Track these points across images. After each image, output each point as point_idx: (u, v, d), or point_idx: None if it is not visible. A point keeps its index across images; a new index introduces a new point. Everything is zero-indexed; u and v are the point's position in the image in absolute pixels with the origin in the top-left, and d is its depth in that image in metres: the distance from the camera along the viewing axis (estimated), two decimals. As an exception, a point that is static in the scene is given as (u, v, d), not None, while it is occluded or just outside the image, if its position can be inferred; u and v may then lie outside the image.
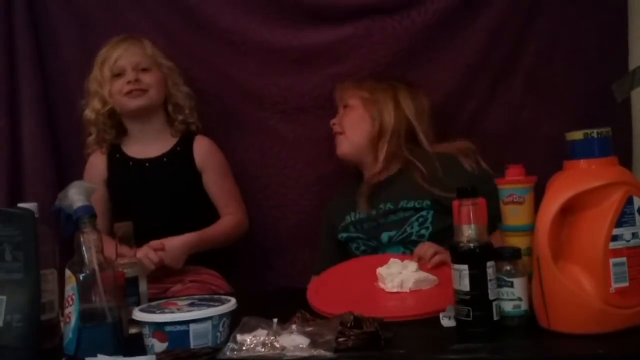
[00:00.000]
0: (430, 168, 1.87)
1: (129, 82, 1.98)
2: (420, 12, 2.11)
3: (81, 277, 1.26)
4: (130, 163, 2.06)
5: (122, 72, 2.00)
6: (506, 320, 1.25)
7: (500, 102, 2.15)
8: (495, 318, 1.23)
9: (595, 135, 1.25)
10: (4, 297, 1.28)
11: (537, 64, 2.13)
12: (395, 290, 1.50)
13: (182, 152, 2.06)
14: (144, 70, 2.01)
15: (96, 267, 1.27)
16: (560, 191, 1.23)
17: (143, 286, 1.50)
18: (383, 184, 1.93)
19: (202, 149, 2.06)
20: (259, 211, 2.18)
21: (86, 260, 1.27)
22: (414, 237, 1.83)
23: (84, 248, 1.28)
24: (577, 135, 1.27)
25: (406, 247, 1.84)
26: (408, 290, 1.49)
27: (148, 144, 2.06)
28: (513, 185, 1.41)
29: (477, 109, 2.14)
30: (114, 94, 2.00)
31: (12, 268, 1.28)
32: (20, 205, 1.40)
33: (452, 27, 2.12)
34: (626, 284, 1.19)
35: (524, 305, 1.26)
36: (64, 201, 1.33)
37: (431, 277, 1.52)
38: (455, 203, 1.29)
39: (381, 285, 1.54)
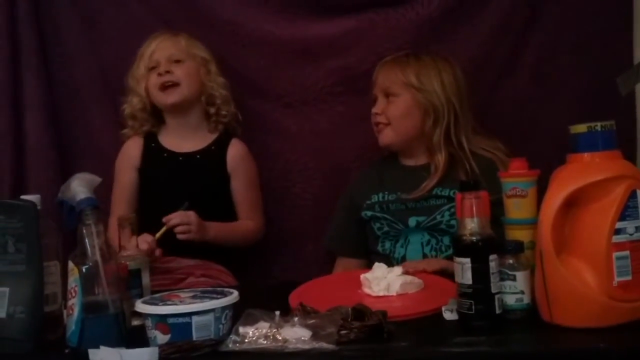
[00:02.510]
0: (472, 168, 1.84)
1: (159, 75, 2.00)
2: (424, 5, 2.10)
3: (84, 269, 1.26)
4: (165, 154, 2.07)
5: (157, 65, 2.02)
6: (508, 314, 1.25)
7: (505, 95, 2.14)
8: (498, 311, 1.22)
9: (599, 128, 1.25)
10: (7, 289, 1.29)
11: (542, 58, 2.12)
12: (382, 294, 1.46)
13: (216, 152, 2.07)
14: (177, 61, 2.03)
15: (99, 259, 1.27)
16: (564, 184, 1.23)
17: (146, 278, 1.50)
18: (419, 169, 1.91)
19: (236, 154, 2.07)
20: (262, 205, 2.18)
21: (89, 252, 1.27)
22: (443, 226, 1.82)
23: (86, 240, 1.28)
24: (581, 128, 1.26)
25: (432, 234, 1.84)
26: (395, 294, 1.45)
27: (184, 138, 2.08)
28: (516, 178, 1.41)
29: (481, 103, 2.13)
30: (150, 88, 2.03)
31: (14, 260, 1.29)
32: (23, 197, 1.40)
33: (456, 21, 2.12)
34: (629, 278, 1.19)
35: (526, 299, 1.26)
36: (67, 193, 1.33)
37: (417, 280, 1.49)
38: (458, 196, 1.29)
39: (366, 290, 1.48)
